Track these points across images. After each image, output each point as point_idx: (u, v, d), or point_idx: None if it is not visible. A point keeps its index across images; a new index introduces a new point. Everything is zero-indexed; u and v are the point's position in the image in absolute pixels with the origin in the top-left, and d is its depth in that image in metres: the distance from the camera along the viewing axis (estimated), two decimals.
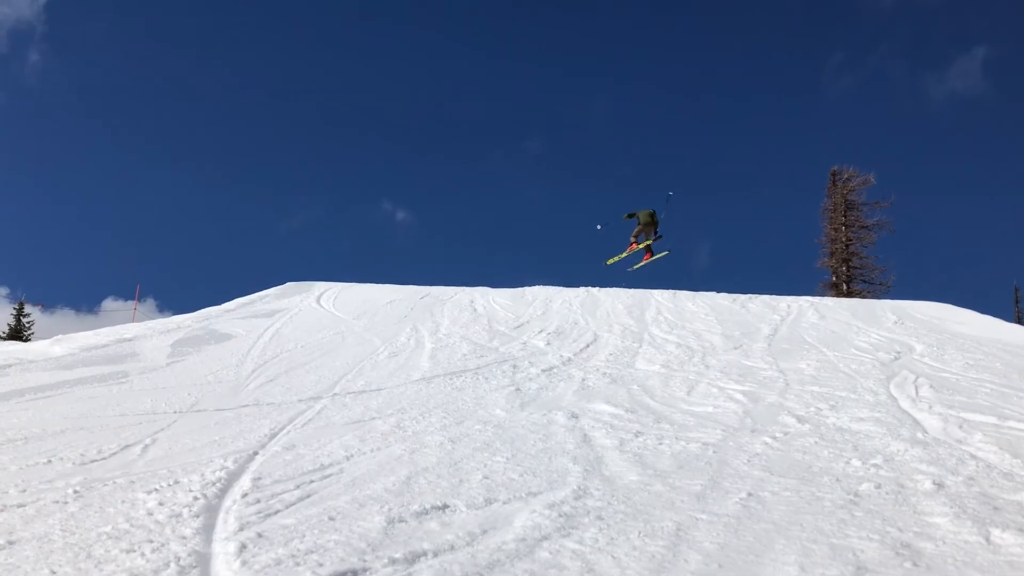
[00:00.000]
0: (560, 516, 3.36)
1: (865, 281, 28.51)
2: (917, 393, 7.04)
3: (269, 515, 3.31)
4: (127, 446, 4.83)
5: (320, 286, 14.90)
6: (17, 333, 38.51)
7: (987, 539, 3.09)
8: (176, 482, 3.84)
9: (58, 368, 7.97)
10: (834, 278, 28.76)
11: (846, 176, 29.43)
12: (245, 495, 3.64)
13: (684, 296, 14.38)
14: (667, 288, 15.45)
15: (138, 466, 4.32)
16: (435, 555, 2.82)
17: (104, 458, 4.47)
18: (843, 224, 28.59)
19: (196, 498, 3.57)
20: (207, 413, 6.11)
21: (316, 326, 11.29)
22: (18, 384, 7.27)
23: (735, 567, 2.77)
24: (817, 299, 14.94)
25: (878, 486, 3.88)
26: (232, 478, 3.98)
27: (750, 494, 3.72)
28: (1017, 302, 37.73)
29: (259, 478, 3.95)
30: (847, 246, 28.54)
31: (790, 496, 3.71)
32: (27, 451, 4.63)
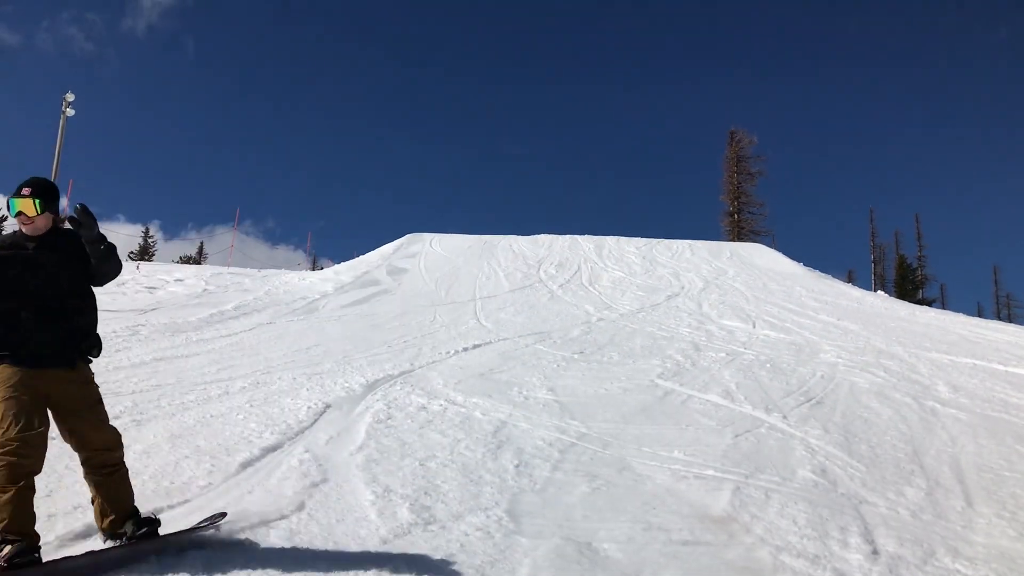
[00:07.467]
0: (585, 323, 11.98)
1: (750, 212, 37.94)
2: (711, 295, 16.15)
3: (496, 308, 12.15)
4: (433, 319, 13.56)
5: (426, 236, 23.07)
6: (144, 251, 46.64)
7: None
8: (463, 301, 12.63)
9: (360, 286, 16.57)
10: (730, 208, 37.99)
11: (738, 137, 38.45)
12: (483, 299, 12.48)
13: (623, 241, 23.36)
14: (617, 235, 24.50)
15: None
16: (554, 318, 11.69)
17: (455, 302, 13.24)
18: (735, 171, 37.61)
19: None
20: (452, 305, 14.76)
21: (440, 262, 19.91)
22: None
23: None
24: (692, 242, 23.90)
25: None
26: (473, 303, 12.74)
27: (621, 315, 12.68)
28: (872, 221, 47.38)
29: (484, 306, 12.71)
30: (738, 187, 37.64)
31: (652, 329, 12.67)
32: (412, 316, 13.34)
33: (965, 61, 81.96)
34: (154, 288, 14.52)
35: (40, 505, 3.55)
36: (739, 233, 36.43)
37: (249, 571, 2.94)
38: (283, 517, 3.56)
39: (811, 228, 69.73)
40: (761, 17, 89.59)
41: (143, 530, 3.14)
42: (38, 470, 2.90)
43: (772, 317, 12.77)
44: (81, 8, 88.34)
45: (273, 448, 4.74)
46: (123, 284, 14.56)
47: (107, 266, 3.14)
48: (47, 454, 4.43)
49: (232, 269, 19.57)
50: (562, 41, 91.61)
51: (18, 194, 3.03)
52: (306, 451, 4.68)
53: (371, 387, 6.73)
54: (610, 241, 23.04)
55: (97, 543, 3.19)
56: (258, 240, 79.99)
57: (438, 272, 18.10)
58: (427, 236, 22.93)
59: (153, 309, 11.87)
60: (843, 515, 4.00)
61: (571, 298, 14.88)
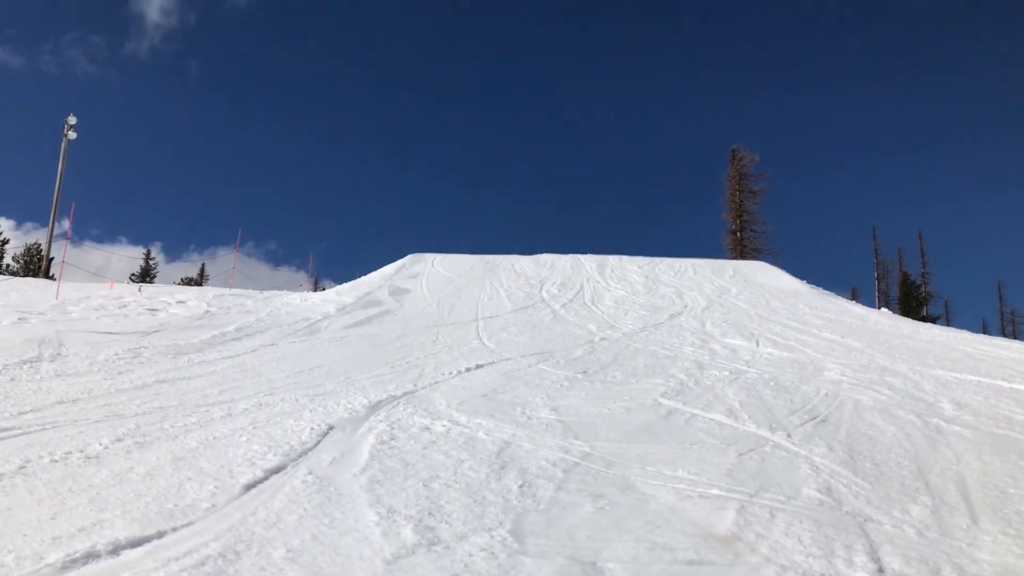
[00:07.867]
0: (588, 342, 12.09)
1: (752, 230, 38.04)
2: (714, 314, 16.18)
3: (499, 328, 12.18)
4: (435, 340, 13.64)
5: (428, 256, 23.14)
6: (145, 273, 46.81)
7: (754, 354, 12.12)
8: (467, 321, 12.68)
9: (362, 307, 16.69)
10: (733, 226, 38.12)
11: (739, 155, 38.64)
12: (485, 319, 12.52)
13: (626, 260, 23.44)
14: (619, 254, 24.58)
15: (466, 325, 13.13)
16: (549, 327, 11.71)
17: (457, 323, 13.25)
18: (737, 189, 37.78)
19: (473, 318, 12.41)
20: (454, 325, 14.87)
21: (442, 281, 19.99)
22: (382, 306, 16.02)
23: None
24: (695, 261, 23.95)
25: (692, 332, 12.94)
26: (476, 323, 12.81)
27: (624, 334, 12.70)
28: (875, 238, 47.48)
29: (486, 326, 12.78)
30: (740, 204, 37.80)
31: (655, 348, 12.69)
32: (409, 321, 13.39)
33: (966, 77, 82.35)
34: (156, 310, 14.53)
35: (44, 528, 3.56)
36: (742, 251, 36.46)
37: None
38: (286, 539, 3.56)
39: (814, 246, 69.91)
40: (761, 38, 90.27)
41: None
42: None
43: (775, 335, 12.76)
44: (84, 31, 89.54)
45: (277, 470, 4.74)
46: (125, 306, 14.60)
47: None
48: (50, 476, 4.46)
49: (234, 291, 19.59)
50: (562, 62, 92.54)
51: None
52: (309, 472, 4.68)
53: (374, 408, 6.73)
54: (613, 260, 23.11)
55: (100, 565, 3.19)
56: (260, 261, 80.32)
57: (440, 292, 18.11)
58: (429, 256, 22.99)
59: (155, 331, 11.87)
60: (848, 533, 3.99)
61: (574, 318, 14.88)
